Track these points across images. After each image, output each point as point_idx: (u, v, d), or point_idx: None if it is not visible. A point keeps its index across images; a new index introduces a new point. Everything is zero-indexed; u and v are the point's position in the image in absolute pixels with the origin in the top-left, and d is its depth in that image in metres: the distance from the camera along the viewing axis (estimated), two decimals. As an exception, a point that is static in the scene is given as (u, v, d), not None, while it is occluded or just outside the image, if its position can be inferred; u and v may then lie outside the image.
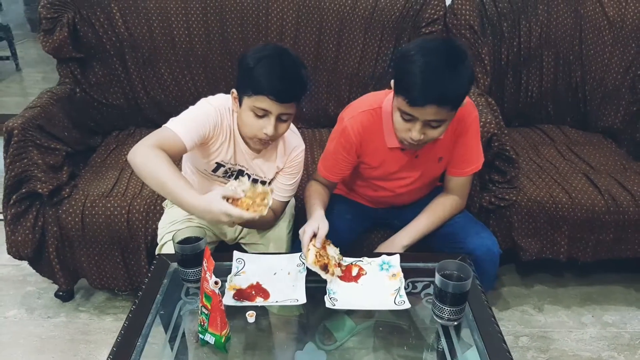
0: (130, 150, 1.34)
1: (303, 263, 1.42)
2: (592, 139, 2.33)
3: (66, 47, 2.14)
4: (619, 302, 2.10)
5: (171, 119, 1.43)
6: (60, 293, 2.06)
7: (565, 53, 2.32)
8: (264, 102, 1.36)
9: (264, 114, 1.38)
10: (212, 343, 1.19)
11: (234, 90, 1.45)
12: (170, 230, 1.59)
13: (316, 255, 1.36)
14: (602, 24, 2.27)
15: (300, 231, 1.42)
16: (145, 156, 1.32)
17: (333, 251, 1.43)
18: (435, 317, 1.28)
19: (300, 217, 1.79)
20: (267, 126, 1.39)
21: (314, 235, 1.40)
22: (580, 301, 2.11)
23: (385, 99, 1.51)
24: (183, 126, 1.40)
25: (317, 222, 1.43)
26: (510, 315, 2.03)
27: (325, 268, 1.36)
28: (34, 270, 1.98)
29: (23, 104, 1.97)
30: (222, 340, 1.17)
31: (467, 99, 1.49)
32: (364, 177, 1.65)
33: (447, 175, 1.64)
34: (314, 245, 1.38)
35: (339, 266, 1.40)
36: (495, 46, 2.29)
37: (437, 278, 1.23)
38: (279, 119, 1.40)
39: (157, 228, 1.74)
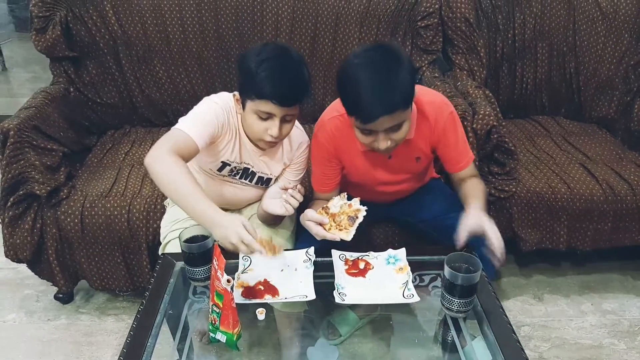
0: (148, 154, 1.32)
1: (310, 259, 1.42)
2: (587, 129, 2.35)
3: (59, 45, 2.11)
4: (616, 289, 2.13)
5: (181, 120, 1.41)
6: (60, 295, 2.04)
7: (559, 44, 2.33)
8: (267, 106, 1.35)
9: (268, 116, 1.38)
10: (224, 341, 1.18)
11: (236, 92, 1.45)
12: (174, 229, 1.58)
13: (339, 228, 1.37)
14: (595, 15, 2.29)
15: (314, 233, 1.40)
16: (166, 164, 1.30)
17: (337, 206, 1.42)
18: (444, 309, 1.29)
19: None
20: (272, 128, 1.39)
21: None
22: (579, 290, 2.13)
23: None
24: (194, 127, 1.38)
25: (305, 219, 1.42)
26: (511, 306, 2.04)
27: (352, 219, 1.37)
28: (32, 273, 1.96)
29: (12, 105, 1.95)
30: (234, 338, 1.17)
31: (439, 99, 1.50)
32: (347, 181, 1.65)
33: (450, 174, 1.62)
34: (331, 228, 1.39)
35: (350, 206, 1.40)
36: (491, 38, 2.30)
37: (447, 270, 1.24)
38: (283, 120, 1.40)
39: (158, 227, 1.73)
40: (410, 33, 2.26)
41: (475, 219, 1.36)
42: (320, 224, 1.39)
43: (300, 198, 1.44)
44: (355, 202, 1.41)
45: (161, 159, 1.31)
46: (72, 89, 2.20)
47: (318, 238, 1.39)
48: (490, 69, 2.33)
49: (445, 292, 1.27)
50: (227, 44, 2.24)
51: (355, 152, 1.54)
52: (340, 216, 1.39)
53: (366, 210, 1.39)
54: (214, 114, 1.43)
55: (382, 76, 1.27)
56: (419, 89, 1.41)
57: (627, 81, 2.30)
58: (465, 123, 1.79)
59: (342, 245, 1.43)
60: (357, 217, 1.38)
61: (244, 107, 1.42)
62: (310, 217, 1.40)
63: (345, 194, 1.44)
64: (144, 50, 2.22)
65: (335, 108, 1.53)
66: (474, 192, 1.51)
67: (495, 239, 1.32)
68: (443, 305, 1.29)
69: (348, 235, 1.36)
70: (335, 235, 1.36)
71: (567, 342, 1.88)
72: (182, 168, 1.30)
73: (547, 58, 2.35)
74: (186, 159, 1.35)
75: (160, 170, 1.30)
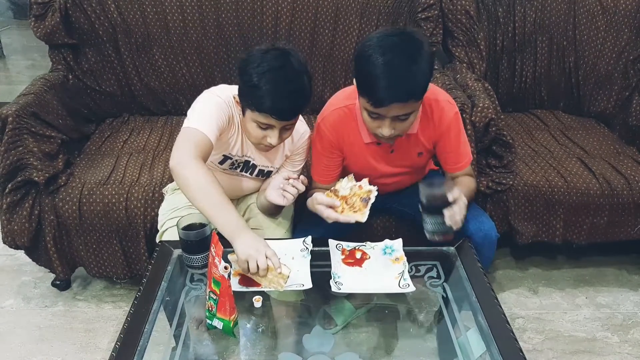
0: (173, 158, 1.31)
1: (307, 248, 1.42)
2: (585, 123, 2.36)
3: (58, 32, 2.10)
4: (611, 283, 2.14)
5: (189, 118, 1.39)
6: (57, 282, 2.04)
7: (559, 38, 2.33)
8: (268, 119, 1.35)
9: (267, 127, 1.38)
10: (220, 328, 1.19)
11: (235, 95, 1.43)
12: (172, 217, 1.58)
13: (353, 210, 1.38)
14: (595, 9, 2.29)
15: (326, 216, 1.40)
16: (194, 170, 1.28)
17: (346, 188, 1.42)
18: (427, 233, 1.38)
19: (302, 203, 1.79)
20: (271, 137, 1.39)
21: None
22: (573, 283, 2.14)
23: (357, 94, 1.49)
24: (206, 124, 1.37)
25: (315, 203, 1.42)
26: (505, 298, 2.06)
27: (365, 200, 1.37)
28: (29, 260, 1.97)
29: (10, 92, 1.95)
30: (231, 325, 1.18)
31: (444, 98, 1.50)
32: (347, 172, 1.65)
33: (446, 173, 1.63)
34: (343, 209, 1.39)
35: (361, 188, 1.40)
36: (491, 31, 2.30)
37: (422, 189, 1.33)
38: (282, 129, 1.40)
39: (156, 215, 1.73)
40: (410, 25, 2.25)
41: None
42: (332, 207, 1.39)
43: (302, 188, 1.44)
44: (365, 183, 1.41)
45: (188, 165, 1.29)
46: (71, 77, 2.19)
47: (329, 221, 1.39)
48: (489, 62, 2.33)
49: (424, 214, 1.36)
50: (227, 33, 2.24)
51: (358, 144, 1.54)
52: (352, 198, 1.39)
53: (377, 190, 1.39)
54: (218, 107, 1.42)
55: (402, 63, 1.27)
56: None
57: (626, 76, 2.30)
58: (464, 115, 1.79)
59: (338, 235, 1.44)
60: (369, 198, 1.38)
61: (243, 113, 1.41)
62: (321, 201, 1.39)
63: (352, 176, 1.44)
64: (143, 38, 2.21)
65: (340, 99, 1.53)
66: (463, 186, 1.50)
67: (457, 212, 1.34)
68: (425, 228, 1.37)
69: (363, 216, 1.36)
70: (350, 217, 1.36)
71: (561, 334, 1.90)
72: (210, 176, 1.29)
73: (546, 52, 2.35)
74: (206, 159, 1.35)
75: (188, 176, 1.28)
